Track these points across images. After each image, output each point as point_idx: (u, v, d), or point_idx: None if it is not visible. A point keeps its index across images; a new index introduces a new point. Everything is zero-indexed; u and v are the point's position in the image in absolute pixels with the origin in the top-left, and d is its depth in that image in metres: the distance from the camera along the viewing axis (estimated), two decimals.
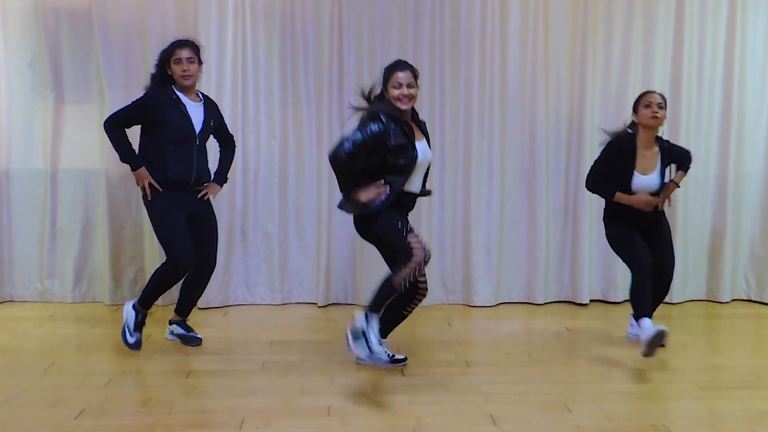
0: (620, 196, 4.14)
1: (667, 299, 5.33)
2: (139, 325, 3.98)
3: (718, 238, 5.44)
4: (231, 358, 4.03)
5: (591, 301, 5.36)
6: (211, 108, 4.13)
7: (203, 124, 4.02)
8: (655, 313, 4.93)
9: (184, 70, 3.90)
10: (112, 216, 5.11)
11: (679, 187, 4.30)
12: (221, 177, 4.27)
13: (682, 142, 5.26)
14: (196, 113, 4.00)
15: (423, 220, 5.20)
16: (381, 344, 3.42)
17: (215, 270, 5.10)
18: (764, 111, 5.38)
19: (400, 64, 3.67)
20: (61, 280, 5.23)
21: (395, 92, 3.58)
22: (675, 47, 5.27)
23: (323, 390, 3.56)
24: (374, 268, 5.18)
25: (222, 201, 5.15)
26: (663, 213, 4.27)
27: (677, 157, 4.31)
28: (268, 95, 5.18)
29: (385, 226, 3.57)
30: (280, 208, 5.25)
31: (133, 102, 3.99)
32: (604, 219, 4.34)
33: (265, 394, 3.50)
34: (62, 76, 5.09)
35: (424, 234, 5.21)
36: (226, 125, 4.33)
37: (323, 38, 5.12)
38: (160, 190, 3.90)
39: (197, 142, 3.98)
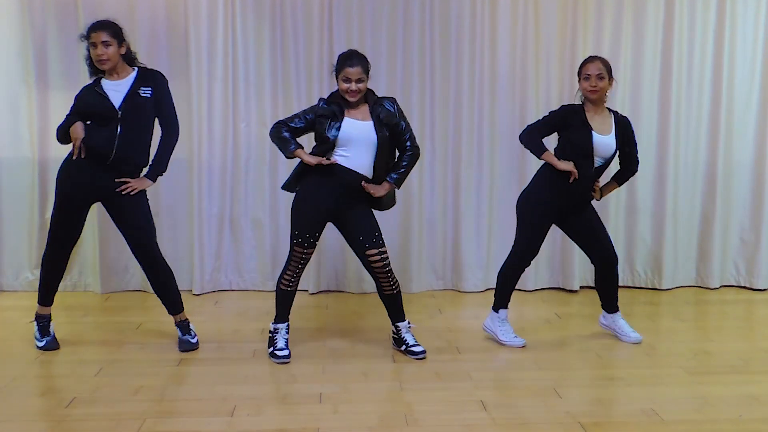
0: (548, 155, 3.89)
1: (656, 285, 5.39)
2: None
3: (708, 225, 5.45)
4: (222, 346, 4.04)
5: (581, 287, 5.39)
6: (144, 79, 3.81)
7: (126, 95, 3.74)
8: (644, 299, 4.97)
9: (99, 54, 3.70)
10: (101, 205, 5.07)
11: (606, 192, 4.18)
12: (154, 167, 3.87)
13: (672, 130, 5.28)
14: (116, 89, 3.75)
15: (413, 206, 5.21)
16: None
17: (204, 255, 5.15)
18: (754, 98, 5.38)
19: (351, 58, 3.72)
20: None
21: (344, 86, 3.70)
22: (665, 35, 5.27)
23: (315, 377, 3.57)
24: None
25: (213, 188, 5.16)
26: (591, 202, 4.11)
27: (626, 148, 4.06)
28: (259, 83, 5.16)
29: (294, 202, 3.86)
30: (270, 196, 5.24)
31: None
32: (534, 179, 4.07)
33: (256, 381, 3.51)
34: (48, 65, 5.04)
35: (414, 221, 5.23)
36: (168, 103, 3.88)
37: (313, 26, 5.09)
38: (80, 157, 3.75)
39: (120, 115, 3.71)
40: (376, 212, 3.91)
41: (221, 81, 5.09)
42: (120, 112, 3.73)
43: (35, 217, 5.15)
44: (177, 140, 3.94)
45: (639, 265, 5.44)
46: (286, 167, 5.22)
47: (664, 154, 5.30)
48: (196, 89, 5.05)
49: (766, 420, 3.09)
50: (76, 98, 3.85)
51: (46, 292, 4.00)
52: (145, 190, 3.90)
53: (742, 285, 5.51)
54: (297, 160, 3.81)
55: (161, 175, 3.94)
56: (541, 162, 3.99)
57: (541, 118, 4.10)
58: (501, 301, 4.13)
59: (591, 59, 3.96)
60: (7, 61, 5.06)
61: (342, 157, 3.72)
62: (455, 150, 5.25)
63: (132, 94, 3.76)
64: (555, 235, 5.37)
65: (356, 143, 3.71)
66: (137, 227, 3.87)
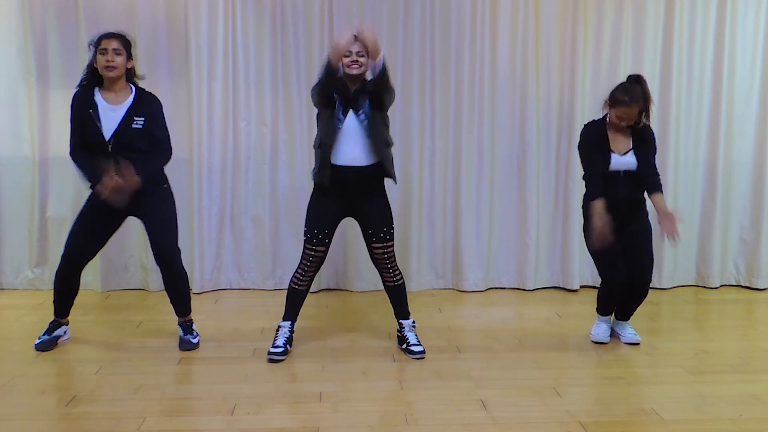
0: (593, 206, 3.82)
1: (656, 285, 5.39)
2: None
3: (708, 224, 5.46)
4: (222, 345, 4.04)
5: (581, 286, 5.39)
6: (139, 107, 3.71)
7: (118, 126, 3.65)
8: (646, 299, 4.94)
9: (108, 61, 3.61)
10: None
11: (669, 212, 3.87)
12: (143, 175, 3.63)
13: (671, 129, 5.29)
14: (111, 113, 3.67)
15: (413, 205, 5.21)
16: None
17: (204, 253, 5.15)
18: (754, 97, 5.39)
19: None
20: (52, 268, 5.19)
21: (346, 60, 3.68)
22: (665, 34, 5.27)
23: (315, 376, 3.57)
24: (365, 254, 5.19)
25: (213, 187, 5.16)
26: (645, 210, 4.03)
27: (644, 151, 3.93)
28: (259, 82, 5.16)
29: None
30: (271, 195, 5.25)
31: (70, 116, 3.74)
32: (583, 208, 4.03)
33: (256, 380, 3.51)
34: (49, 64, 5.04)
35: (414, 220, 5.23)
36: (161, 127, 3.79)
37: (313, 25, 5.09)
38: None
39: (110, 148, 3.62)
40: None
41: (221, 80, 5.09)
42: (110, 146, 3.64)
43: (35, 216, 5.15)
44: (166, 160, 3.85)
45: None
46: (287, 166, 5.23)
47: (664, 153, 5.30)
48: (196, 89, 5.05)
49: (766, 419, 3.09)
50: (73, 108, 3.72)
51: (62, 306, 3.99)
52: (172, 197, 3.91)
53: (743, 284, 5.51)
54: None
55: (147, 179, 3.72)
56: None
57: (581, 161, 4.03)
58: (600, 310, 4.17)
59: (626, 104, 3.77)
60: (7, 60, 5.06)
61: (338, 153, 3.73)
62: (455, 149, 5.25)
63: (124, 126, 3.66)
64: (555, 234, 5.39)
65: (345, 137, 3.72)
66: (158, 232, 3.84)
